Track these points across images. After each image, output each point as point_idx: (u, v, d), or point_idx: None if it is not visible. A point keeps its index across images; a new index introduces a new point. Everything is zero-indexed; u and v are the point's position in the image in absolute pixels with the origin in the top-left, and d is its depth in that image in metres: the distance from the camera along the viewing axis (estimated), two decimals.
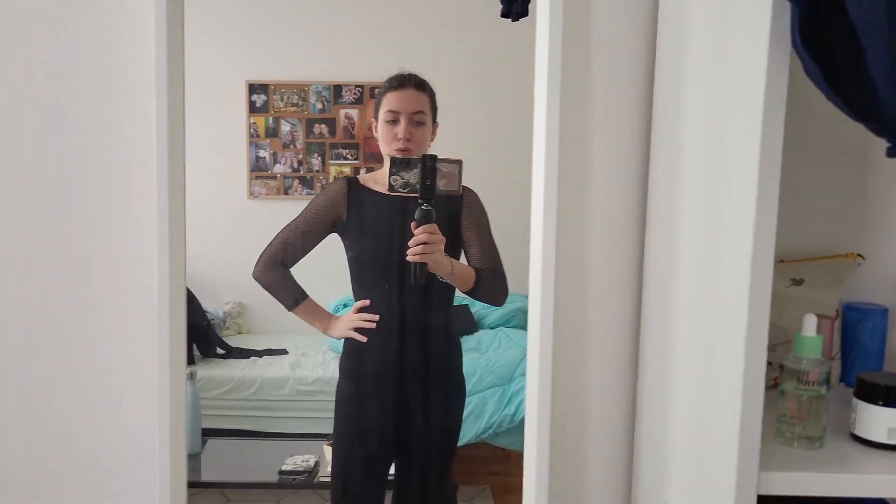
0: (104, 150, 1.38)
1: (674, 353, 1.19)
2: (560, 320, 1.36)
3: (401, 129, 1.82)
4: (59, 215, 1.40)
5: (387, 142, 1.84)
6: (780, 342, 1.20)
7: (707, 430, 1.03)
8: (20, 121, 1.37)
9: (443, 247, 1.72)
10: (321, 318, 1.98)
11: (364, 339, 1.87)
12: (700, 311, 1.09)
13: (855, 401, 1.02)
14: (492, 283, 1.88)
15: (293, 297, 1.95)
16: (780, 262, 1.26)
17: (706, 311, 1.06)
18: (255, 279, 1.94)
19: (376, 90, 1.95)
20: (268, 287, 1.95)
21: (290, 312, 1.97)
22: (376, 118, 1.89)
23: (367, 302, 1.88)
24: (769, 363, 1.17)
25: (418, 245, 1.67)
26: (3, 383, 1.43)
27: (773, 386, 1.15)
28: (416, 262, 1.69)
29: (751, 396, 0.91)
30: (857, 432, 1.01)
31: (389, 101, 1.85)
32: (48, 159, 1.38)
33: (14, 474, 1.45)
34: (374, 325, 1.86)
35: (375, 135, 1.90)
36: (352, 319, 1.89)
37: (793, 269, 1.26)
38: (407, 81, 1.87)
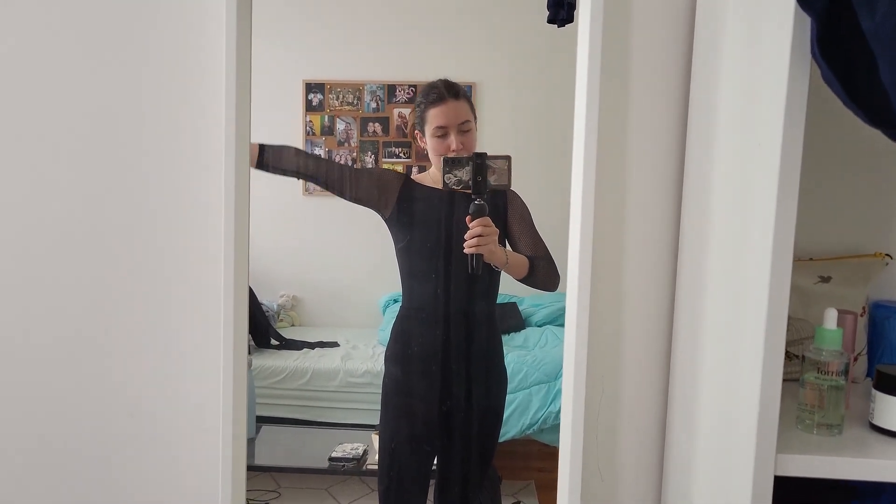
0: (175, 152, 1.50)
1: (703, 348, 1.24)
2: (596, 318, 1.43)
3: (452, 141, 1.90)
4: (137, 212, 1.51)
5: (439, 154, 1.91)
6: (807, 336, 1.24)
7: (731, 418, 1.08)
8: (98, 123, 1.49)
9: (496, 238, 1.81)
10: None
11: None
12: (727, 306, 1.14)
13: (874, 392, 1.06)
14: (544, 268, 1.96)
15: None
16: (809, 259, 1.31)
17: (732, 305, 1.11)
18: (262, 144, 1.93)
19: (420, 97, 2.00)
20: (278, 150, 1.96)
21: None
22: (420, 130, 1.97)
23: None
24: (795, 356, 1.22)
25: (474, 237, 1.77)
26: (86, 361, 1.55)
27: (798, 378, 1.19)
28: (472, 253, 1.78)
29: (769, 381, 0.97)
30: (876, 422, 1.06)
31: (436, 118, 1.92)
32: (124, 159, 1.50)
33: (93, 441, 1.57)
34: None
35: (422, 144, 1.97)
36: None
37: (821, 267, 1.30)
38: (446, 93, 1.93)
